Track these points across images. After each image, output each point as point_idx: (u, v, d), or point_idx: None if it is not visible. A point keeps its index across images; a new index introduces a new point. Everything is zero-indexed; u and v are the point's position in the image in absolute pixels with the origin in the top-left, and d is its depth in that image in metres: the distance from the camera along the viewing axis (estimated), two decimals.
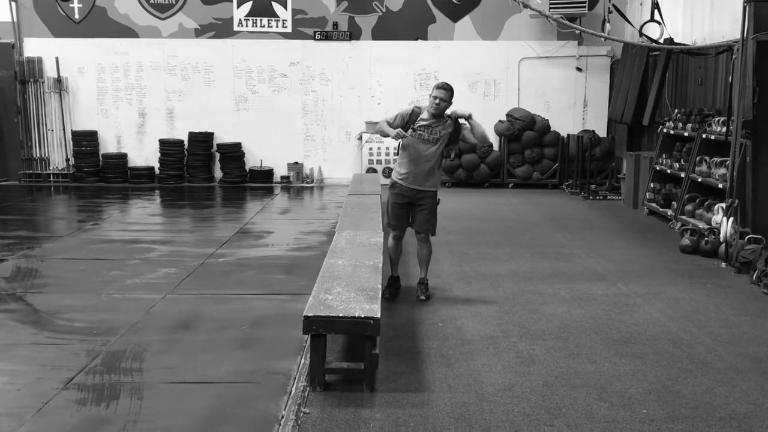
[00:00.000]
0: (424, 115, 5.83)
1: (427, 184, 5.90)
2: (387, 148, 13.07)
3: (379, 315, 4.17)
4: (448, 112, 5.84)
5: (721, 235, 7.26)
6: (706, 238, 7.56)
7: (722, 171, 7.99)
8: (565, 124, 13.25)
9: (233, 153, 13.32)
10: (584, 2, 12.10)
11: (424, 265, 6.03)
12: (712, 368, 4.52)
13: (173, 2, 13.18)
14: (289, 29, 13.26)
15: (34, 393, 4.16)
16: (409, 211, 5.97)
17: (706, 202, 8.47)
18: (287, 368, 4.52)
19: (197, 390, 4.24)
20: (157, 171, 13.46)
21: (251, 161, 13.52)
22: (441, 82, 5.83)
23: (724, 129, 7.96)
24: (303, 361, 4.57)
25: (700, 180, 8.60)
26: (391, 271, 6.06)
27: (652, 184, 10.04)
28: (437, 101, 5.69)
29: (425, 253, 6.00)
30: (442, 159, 6.00)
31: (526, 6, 9.15)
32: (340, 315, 4.15)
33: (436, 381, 4.29)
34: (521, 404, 3.98)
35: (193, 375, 4.44)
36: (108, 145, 13.56)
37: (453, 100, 5.83)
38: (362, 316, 4.13)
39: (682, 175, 9.11)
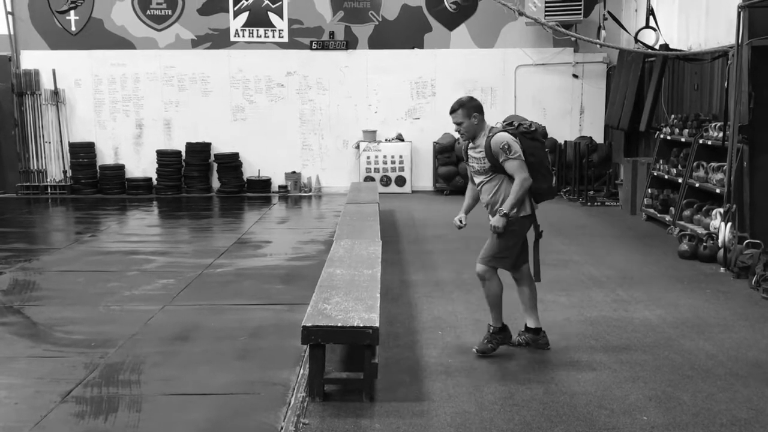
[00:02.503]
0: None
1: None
2: (384, 157, 13.08)
3: (377, 324, 4.16)
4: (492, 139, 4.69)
5: (720, 240, 7.26)
6: (704, 244, 7.56)
7: (719, 176, 8.00)
8: (562, 130, 13.27)
9: (231, 163, 13.32)
10: (579, 9, 12.13)
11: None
12: (712, 374, 4.50)
13: (170, 13, 13.21)
14: (285, 39, 13.29)
15: (32, 406, 4.14)
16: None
17: (704, 208, 8.47)
18: (286, 379, 4.50)
19: (196, 402, 4.22)
20: (154, 182, 13.45)
21: (249, 171, 13.52)
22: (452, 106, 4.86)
23: (721, 134, 7.98)
24: (302, 371, 4.56)
25: (697, 185, 8.60)
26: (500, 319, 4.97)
27: (649, 190, 10.04)
28: (456, 129, 4.85)
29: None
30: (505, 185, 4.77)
31: (521, 14, 9.18)
32: (339, 325, 4.14)
33: (435, 390, 4.27)
34: (521, 412, 3.96)
35: (192, 386, 4.42)
36: (105, 157, 13.56)
37: (473, 111, 4.74)
38: (361, 325, 4.12)
39: (680, 180, 9.12)
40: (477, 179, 4.86)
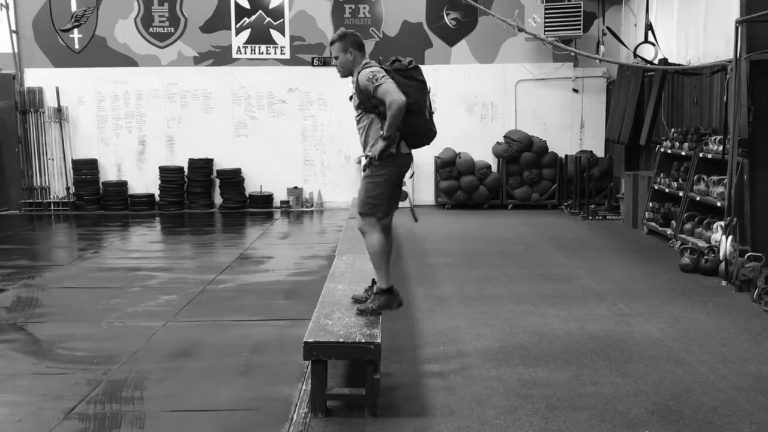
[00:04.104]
0: None
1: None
2: None
3: (380, 340, 4.16)
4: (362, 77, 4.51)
5: (721, 254, 7.26)
6: (705, 257, 7.57)
7: (720, 189, 8.02)
8: (563, 144, 13.31)
9: (233, 179, 13.37)
10: (579, 25, 12.22)
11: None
12: (714, 387, 4.50)
13: (172, 31, 13.32)
14: (287, 56, 13.38)
15: (36, 424, 4.15)
16: None
17: (705, 221, 8.49)
18: (288, 394, 4.51)
19: (198, 418, 4.23)
20: (157, 198, 13.50)
21: (251, 187, 13.57)
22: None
23: (721, 148, 8.01)
24: (304, 387, 4.56)
25: (698, 199, 8.62)
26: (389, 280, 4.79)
27: (650, 204, 10.06)
28: (333, 64, 4.81)
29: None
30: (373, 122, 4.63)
31: (521, 30, 9.24)
32: (341, 340, 4.15)
33: (438, 405, 4.27)
34: (524, 427, 3.96)
35: (195, 403, 4.43)
36: (108, 173, 13.62)
37: (350, 46, 4.60)
38: (363, 341, 4.13)
39: (681, 194, 9.14)
40: (354, 116, 4.71)
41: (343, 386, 4.52)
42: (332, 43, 4.63)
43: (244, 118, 13.51)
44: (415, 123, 4.49)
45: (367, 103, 4.53)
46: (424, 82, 4.64)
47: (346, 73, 4.68)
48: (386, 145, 4.49)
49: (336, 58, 4.62)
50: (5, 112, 13.37)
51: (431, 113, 4.62)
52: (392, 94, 4.36)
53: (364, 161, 4.58)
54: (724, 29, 8.43)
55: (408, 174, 4.73)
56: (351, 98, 4.74)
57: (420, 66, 4.68)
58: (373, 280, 4.85)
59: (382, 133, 4.48)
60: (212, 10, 13.27)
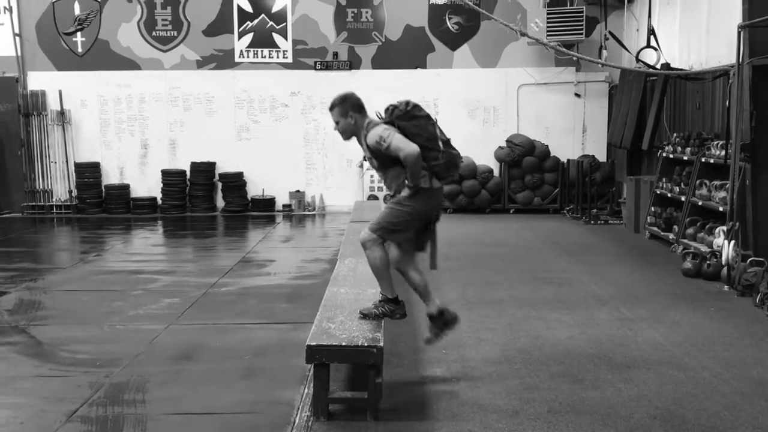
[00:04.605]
0: None
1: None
2: None
3: (382, 343, 4.16)
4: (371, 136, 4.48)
5: (723, 259, 7.25)
6: (708, 262, 7.56)
7: (722, 194, 8.02)
8: (565, 149, 13.31)
9: (235, 182, 13.38)
10: (581, 30, 12.24)
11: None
12: (716, 392, 4.50)
13: (175, 35, 13.35)
14: (289, 60, 13.41)
15: (38, 426, 4.16)
16: None
17: (708, 226, 8.48)
18: (291, 398, 4.51)
19: (201, 421, 4.23)
20: (159, 201, 13.51)
21: (253, 190, 13.58)
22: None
23: (723, 152, 8.01)
24: (306, 390, 4.56)
25: (700, 203, 8.62)
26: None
27: (653, 208, 10.06)
28: (334, 128, 4.71)
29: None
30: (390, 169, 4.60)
31: (523, 34, 9.24)
32: (343, 344, 4.15)
33: (440, 409, 4.27)
34: (526, 431, 3.96)
35: (197, 406, 4.43)
36: (110, 176, 13.63)
37: (349, 110, 4.56)
38: (365, 344, 4.13)
39: (683, 198, 9.14)
40: (379, 175, 4.68)
41: (345, 390, 4.53)
42: (332, 108, 4.56)
43: (247, 122, 13.53)
44: (432, 156, 4.43)
45: (386, 161, 4.50)
46: (428, 116, 4.59)
47: (348, 136, 4.62)
48: (413, 192, 4.46)
49: (337, 123, 4.56)
50: (8, 115, 13.39)
51: (446, 140, 4.56)
52: (404, 148, 4.33)
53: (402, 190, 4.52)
54: (727, 34, 8.43)
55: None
56: (364, 159, 4.71)
57: (419, 104, 4.61)
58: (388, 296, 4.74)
59: (407, 181, 4.45)
60: (215, 14, 13.30)
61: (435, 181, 4.54)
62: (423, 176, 4.44)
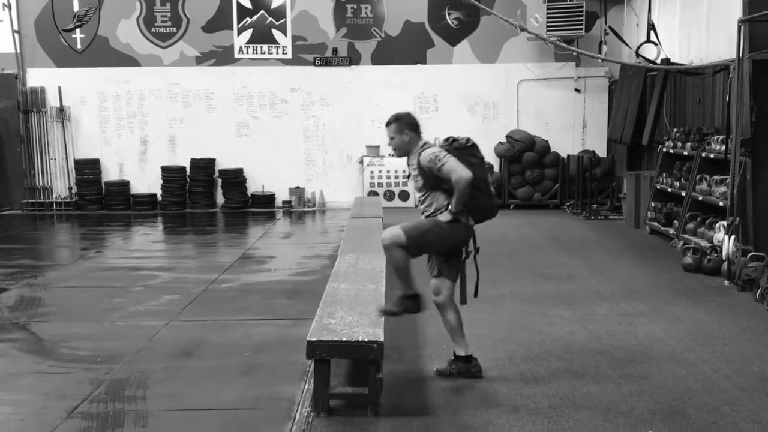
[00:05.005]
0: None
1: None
2: (388, 172, 13.12)
3: (382, 339, 4.16)
4: (425, 154, 4.53)
5: (724, 253, 7.25)
6: (708, 257, 7.56)
7: (723, 189, 8.01)
8: (565, 144, 13.31)
9: (235, 179, 13.38)
10: (581, 25, 12.22)
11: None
12: (717, 387, 4.50)
13: (174, 31, 13.33)
14: (289, 55, 13.39)
15: (38, 423, 4.16)
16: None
17: (708, 221, 8.48)
18: (291, 394, 4.51)
19: (201, 417, 4.23)
20: (159, 198, 13.51)
21: (253, 187, 13.57)
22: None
23: (723, 147, 8.00)
24: (307, 386, 4.57)
25: (700, 198, 8.61)
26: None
27: (653, 203, 10.06)
28: (388, 144, 4.77)
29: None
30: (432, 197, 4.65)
31: (523, 29, 9.23)
32: (344, 339, 4.15)
33: (441, 404, 4.27)
34: (527, 426, 3.96)
35: (197, 402, 4.43)
36: (110, 173, 13.63)
37: (405, 128, 4.62)
38: (366, 340, 4.13)
39: (683, 193, 9.13)
40: (417, 196, 4.69)
41: (345, 385, 4.53)
42: (388, 124, 4.66)
43: (246, 118, 13.52)
44: (477, 196, 4.49)
45: (432, 182, 4.54)
46: (483, 159, 4.69)
47: (401, 153, 4.68)
48: (452, 219, 4.49)
49: (392, 138, 4.64)
50: (8, 112, 13.39)
51: (494, 187, 4.63)
52: (458, 170, 4.38)
53: (443, 216, 4.54)
54: (727, 29, 8.42)
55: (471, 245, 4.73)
56: (408, 176, 4.76)
57: (477, 145, 4.65)
58: (454, 352, 4.75)
59: (450, 206, 4.48)
60: (214, 10, 13.28)
61: (470, 219, 4.61)
62: (462, 210, 4.49)
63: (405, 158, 4.72)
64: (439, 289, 4.69)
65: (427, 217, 4.64)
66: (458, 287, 4.78)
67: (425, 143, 4.63)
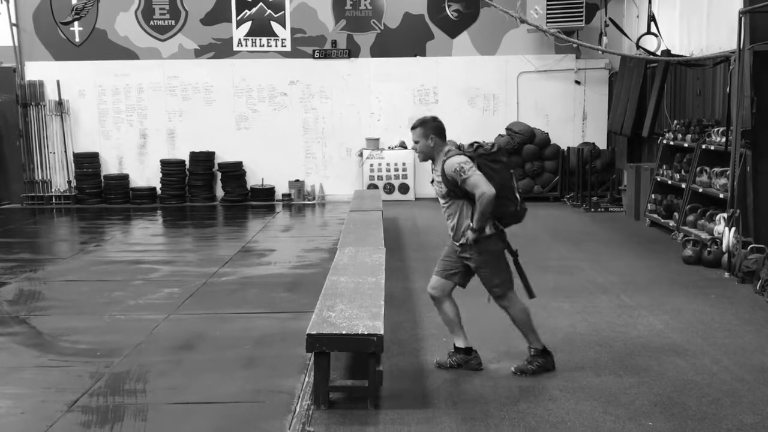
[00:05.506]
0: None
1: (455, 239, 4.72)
2: (387, 165, 13.10)
3: (382, 332, 4.16)
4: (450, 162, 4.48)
5: (724, 246, 7.25)
6: (708, 249, 7.55)
7: (723, 181, 8.00)
8: (565, 136, 13.28)
9: (234, 172, 13.36)
10: (581, 16, 12.17)
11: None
12: (717, 379, 4.50)
13: (173, 24, 13.28)
14: (288, 48, 13.35)
15: (39, 416, 4.16)
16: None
17: (708, 213, 8.47)
18: (291, 387, 4.51)
19: (201, 410, 4.23)
20: (158, 191, 13.49)
21: (252, 180, 13.55)
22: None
23: (724, 139, 7.98)
24: (307, 379, 4.57)
25: (701, 190, 8.60)
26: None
27: (653, 196, 10.04)
28: (413, 147, 4.77)
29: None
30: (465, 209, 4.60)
31: (523, 21, 9.20)
32: (344, 332, 4.14)
33: (440, 397, 4.27)
34: (526, 419, 3.96)
35: (197, 395, 4.43)
36: (109, 167, 13.61)
37: (431, 132, 4.58)
38: (365, 333, 4.12)
39: (683, 185, 9.12)
40: (440, 201, 4.72)
41: (345, 378, 4.53)
42: (413, 128, 4.62)
43: (246, 111, 13.49)
44: (502, 203, 4.49)
45: (456, 190, 4.52)
46: (508, 164, 4.66)
47: (426, 157, 4.67)
48: (476, 236, 4.50)
49: (416, 142, 4.62)
50: (6, 105, 13.35)
51: (519, 192, 4.67)
52: (481, 186, 4.36)
53: (469, 235, 4.54)
54: (728, 20, 8.38)
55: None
56: (432, 182, 4.76)
57: (504, 149, 4.67)
58: (454, 344, 4.78)
59: (470, 224, 4.50)
60: (213, 3, 13.23)
61: (498, 224, 4.60)
62: (487, 219, 4.49)
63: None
64: (437, 287, 4.74)
65: (452, 227, 4.64)
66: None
67: (449, 149, 4.57)
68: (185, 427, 4.03)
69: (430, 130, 4.57)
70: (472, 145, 4.63)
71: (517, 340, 5.25)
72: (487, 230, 4.52)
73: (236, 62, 13.35)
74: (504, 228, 4.64)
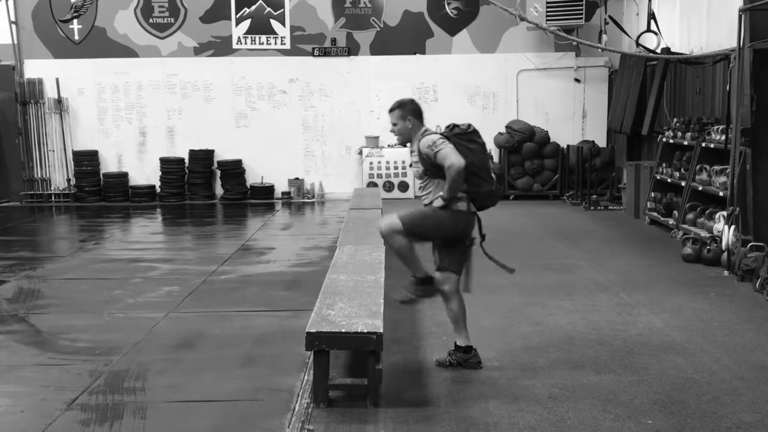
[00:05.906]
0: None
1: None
2: (387, 163, 13.10)
3: (381, 330, 4.16)
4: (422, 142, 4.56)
5: (723, 244, 7.25)
6: (708, 247, 7.55)
7: (722, 179, 7.99)
8: (565, 135, 13.28)
9: (234, 170, 13.35)
10: (581, 14, 12.16)
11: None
12: (717, 377, 4.50)
13: (172, 21, 13.27)
14: (287, 46, 13.33)
15: (38, 414, 4.15)
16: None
17: (708, 211, 8.47)
18: (291, 385, 4.51)
19: (201, 409, 4.23)
20: (158, 189, 13.49)
21: (252, 178, 13.55)
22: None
23: (724, 137, 7.98)
24: (306, 377, 4.56)
25: (700, 188, 8.60)
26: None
27: (652, 194, 10.04)
28: (391, 130, 4.81)
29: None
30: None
31: (522, 19, 9.19)
32: (343, 330, 4.14)
33: (440, 395, 4.27)
34: (526, 417, 3.96)
35: (197, 394, 4.43)
36: (109, 165, 13.60)
37: (408, 114, 4.65)
38: (365, 331, 4.12)
39: (683, 183, 9.11)
40: (418, 183, 4.76)
41: (345, 376, 4.53)
42: (391, 110, 4.69)
43: (245, 109, 13.48)
44: (477, 182, 4.54)
45: (432, 169, 4.56)
46: (484, 145, 4.71)
47: (404, 140, 4.73)
48: (443, 205, 4.52)
49: (395, 125, 4.67)
50: (5, 103, 13.34)
51: (495, 174, 4.67)
52: (451, 157, 4.40)
53: (436, 201, 4.58)
54: (728, 18, 8.38)
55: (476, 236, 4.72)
56: (411, 165, 4.80)
57: (479, 131, 4.69)
58: (455, 343, 4.78)
59: (441, 193, 4.52)
60: (212, 1, 13.21)
61: (471, 206, 4.61)
62: (460, 198, 4.52)
63: (405, 148, 4.75)
64: (444, 281, 4.69)
65: (426, 205, 4.66)
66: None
67: (425, 129, 4.67)
68: (184, 425, 4.03)
69: (408, 112, 4.64)
70: (449, 126, 4.68)
71: (517, 339, 5.26)
72: (460, 206, 4.53)
73: (236, 60, 13.33)
74: (479, 210, 4.64)
